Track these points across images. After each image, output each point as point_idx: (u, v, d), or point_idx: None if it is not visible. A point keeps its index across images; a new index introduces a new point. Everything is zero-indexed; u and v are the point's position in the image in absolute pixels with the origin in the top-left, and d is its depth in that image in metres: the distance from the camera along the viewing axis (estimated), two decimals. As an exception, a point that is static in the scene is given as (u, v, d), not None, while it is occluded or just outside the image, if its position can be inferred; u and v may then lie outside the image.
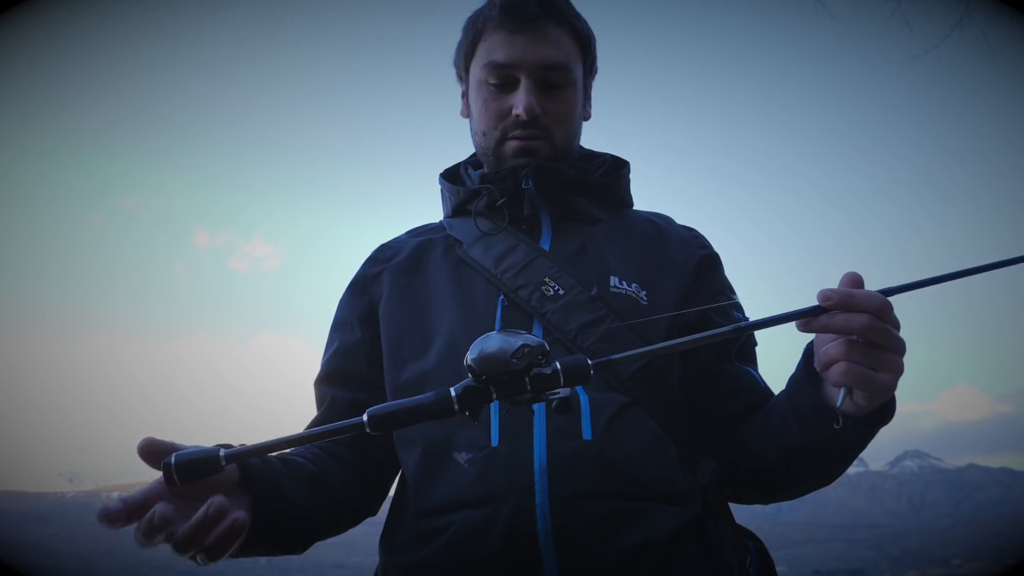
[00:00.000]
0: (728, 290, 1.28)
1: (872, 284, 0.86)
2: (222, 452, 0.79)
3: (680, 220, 1.35)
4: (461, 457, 1.05)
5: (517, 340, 0.81)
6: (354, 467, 1.18)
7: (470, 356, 0.81)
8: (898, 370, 0.87)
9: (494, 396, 0.80)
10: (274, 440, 0.80)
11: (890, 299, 0.86)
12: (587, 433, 1.03)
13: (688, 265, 1.24)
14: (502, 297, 1.16)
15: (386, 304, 1.25)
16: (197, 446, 0.82)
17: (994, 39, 5.43)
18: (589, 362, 0.81)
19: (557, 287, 1.14)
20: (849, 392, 0.88)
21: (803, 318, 0.87)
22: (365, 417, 0.80)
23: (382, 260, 1.31)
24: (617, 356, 0.83)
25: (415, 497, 1.11)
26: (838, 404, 0.89)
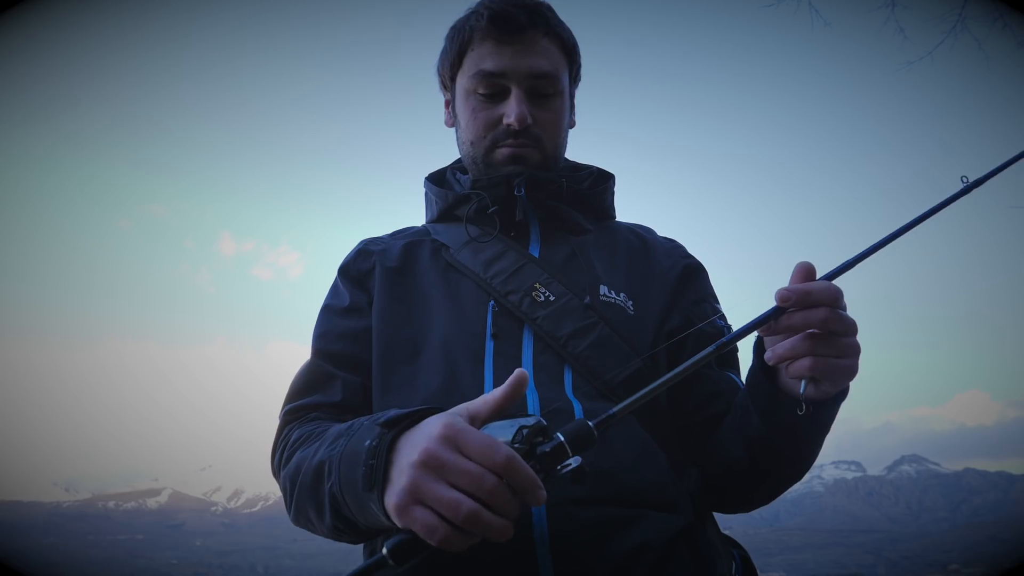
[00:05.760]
0: (711, 298, 1.28)
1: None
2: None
3: (670, 226, 1.58)
4: None
5: (512, 426, 0.79)
6: None
7: None
8: (857, 351, 0.89)
9: None
10: None
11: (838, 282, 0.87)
12: None
13: (672, 274, 1.26)
14: (492, 302, 1.15)
15: (377, 304, 1.22)
16: None
17: (987, 45, 5.37)
18: (591, 424, 0.80)
19: (548, 293, 1.14)
20: (813, 381, 0.90)
21: (765, 324, 0.88)
22: (385, 550, 0.79)
23: (373, 253, 1.29)
24: (616, 408, 0.83)
25: None
26: (801, 393, 0.90)
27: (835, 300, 0.86)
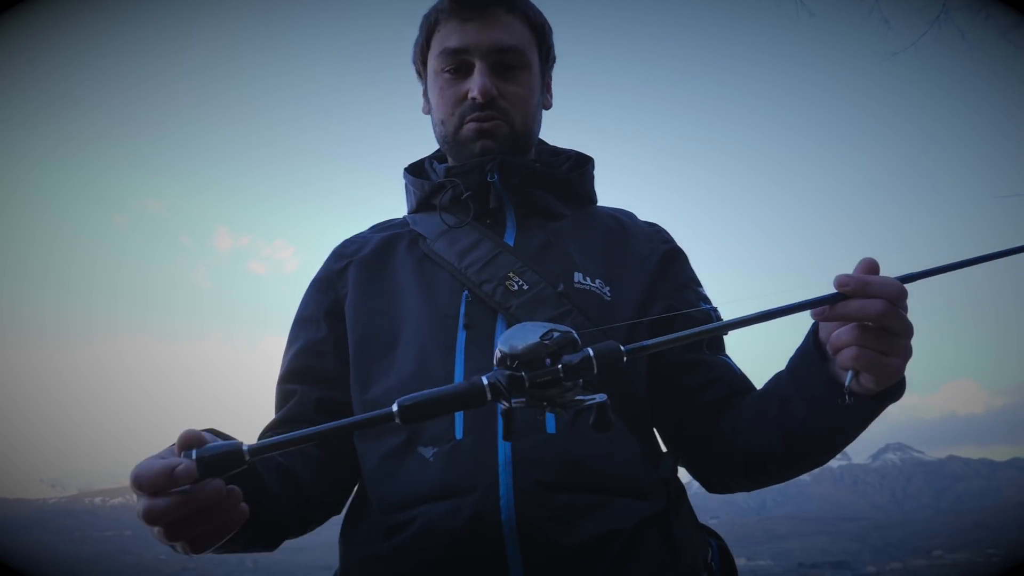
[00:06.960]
0: (694, 283, 1.28)
1: (886, 270, 0.85)
2: (245, 447, 0.75)
3: (654, 217, 1.33)
4: (427, 452, 1.05)
5: (542, 328, 0.77)
6: (320, 463, 1.15)
7: (500, 344, 0.77)
8: (907, 354, 0.88)
9: (526, 383, 0.75)
10: (298, 433, 0.75)
11: (906, 286, 0.86)
12: (551, 427, 1.04)
13: (651, 260, 1.25)
14: (466, 292, 1.15)
15: (351, 300, 1.23)
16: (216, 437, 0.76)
17: (971, 35, 5.42)
18: (622, 348, 0.78)
19: (521, 282, 1.14)
20: (856, 374, 0.89)
21: (820, 306, 0.87)
22: (395, 407, 0.75)
23: (346, 255, 1.29)
24: (649, 342, 0.80)
25: (379, 492, 1.10)
26: (846, 384, 0.90)
27: (897, 297, 0.84)
